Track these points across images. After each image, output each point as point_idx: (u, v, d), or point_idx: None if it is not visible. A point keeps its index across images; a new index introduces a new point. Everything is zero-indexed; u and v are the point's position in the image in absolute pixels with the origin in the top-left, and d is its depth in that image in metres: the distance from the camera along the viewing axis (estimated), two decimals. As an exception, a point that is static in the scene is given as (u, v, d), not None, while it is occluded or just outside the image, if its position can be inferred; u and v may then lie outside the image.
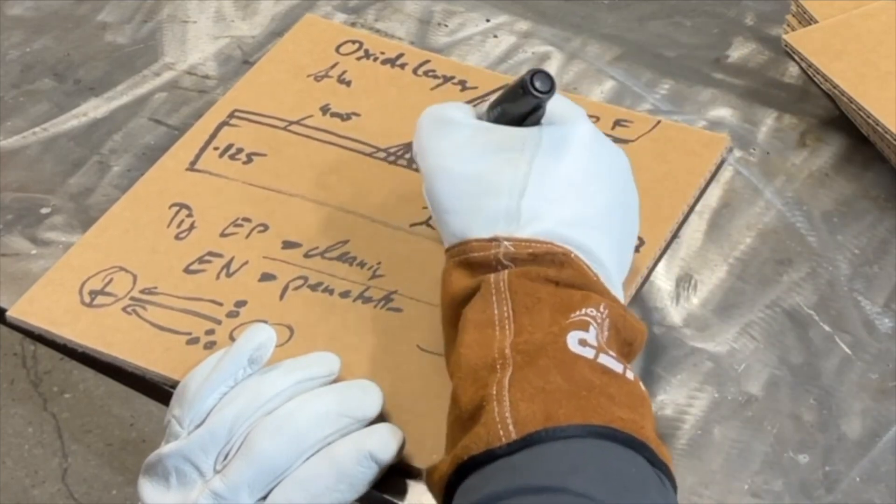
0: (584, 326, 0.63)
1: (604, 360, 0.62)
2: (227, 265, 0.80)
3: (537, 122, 0.71)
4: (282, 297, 0.79)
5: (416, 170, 0.85)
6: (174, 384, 0.73)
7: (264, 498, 0.67)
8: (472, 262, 0.67)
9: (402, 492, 0.70)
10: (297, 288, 0.79)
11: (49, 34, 1.00)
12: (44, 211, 0.87)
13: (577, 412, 0.60)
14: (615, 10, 1.00)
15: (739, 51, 0.96)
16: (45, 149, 0.91)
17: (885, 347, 0.77)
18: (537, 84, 0.69)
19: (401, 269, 0.80)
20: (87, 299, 0.79)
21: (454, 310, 0.68)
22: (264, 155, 0.87)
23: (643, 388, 0.63)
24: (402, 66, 0.93)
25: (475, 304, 0.66)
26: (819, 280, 0.80)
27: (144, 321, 0.78)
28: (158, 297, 0.79)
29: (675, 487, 0.61)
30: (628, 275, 0.77)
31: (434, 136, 0.72)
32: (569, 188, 0.68)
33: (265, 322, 0.76)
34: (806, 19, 0.92)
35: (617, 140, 0.86)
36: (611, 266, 0.68)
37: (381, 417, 0.71)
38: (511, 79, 0.92)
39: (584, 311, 0.64)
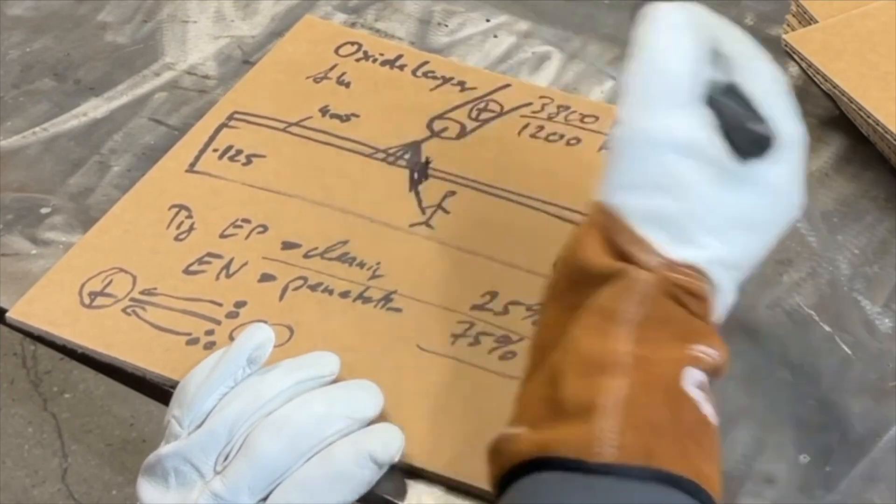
0: (701, 364, 0.61)
1: (706, 408, 0.61)
2: (227, 266, 0.80)
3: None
4: (281, 297, 0.79)
5: (414, 171, 0.86)
6: (174, 384, 0.73)
7: (264, 499, 0.67)
8: (617, 245, 0.63)
9: (402, 492, 0.70)
10: (296, 288, 0.79)
11: (49, 34, 1.00)
12: (44, 211, 0.87)
13: (676, 458, 0.58)
14: (615, 10, 1.00)
15: (739, 51, 0.95)
16: (45, 149, 0.91)
17: (885, 347, 0.77)
18: (758, 151, 0.63)
19: (400, 269, 0.80)
20: (86, 300, 0.79)
21: (573, 276, 0.64)
22: (263, 156, 0.87)
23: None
24: (401, 67, 0.93)
25: (608, 291, 0.62)
26: (819, 280, 0.80)
27: (144, 322, 0.78)
28: (158, 298, 0.79)
29: None
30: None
31: (650, 105, 0.63)
32: (741, 227, 0.64)
33: (265, 322, 0.76)
34: (806, 19, 0.92)
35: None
36: (731, 298, 0.66)
37: (381, 417, 0.71)
38: (509, 79, 0.92)
39: (703, 347, 0.62)
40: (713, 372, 0.62)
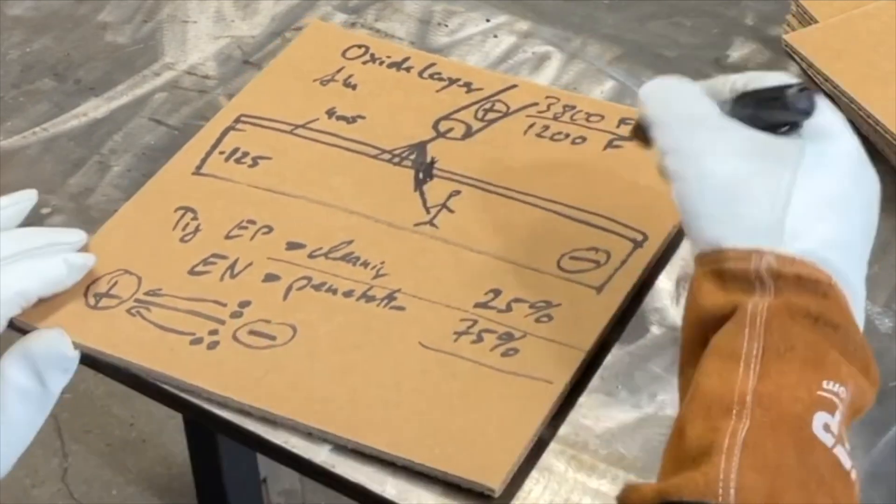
0: (831, 409, 0.60)
1: (839, 452, 0.59)
2: (232, 266, 0.80)
3: (793, 131, 0.67)
4: (285, 297, 0.79)
5: (419, 171, 0.86)
6: (176, 384, 0.74)
7: None
8: (727, 273, 0.63)
9: (402, 492, 0.70)
10: (300, 288, 0.79)
11: (49, 34, 1.00)
12: (44, 211, 0.87)
13: None
14: (615, 10, 1.00)
15: (739, 51, 0.96)
16: (45, 149, 0.91)
17: (885, 347, 0.77)
18: (802, 105, 0.65)
19: (404, 269, 0.80)
20: (91, 301, 0.79)
21: (700, 328, 0.63)
22: (269, 158, 0.87)
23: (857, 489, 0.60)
24: (408, 69, 0.93)
25: (727, 331, 0.61)
26: (820, 280, 0.80)
27: (149, 322, 0.78)
28: (163, 299, 0.79)
29: None
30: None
31: (684, 137, 0.67)
32: (829, 207, 0.64)
33: (267, 321, 0.76)
34: (806, 19, 0.93)
35: (620, 138, 0.86)
36: (861, 292, 0.65)
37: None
38: (515, 79, 0.92)
39: (833, 385, 0.60)
40: (855, 411, 0.62)
